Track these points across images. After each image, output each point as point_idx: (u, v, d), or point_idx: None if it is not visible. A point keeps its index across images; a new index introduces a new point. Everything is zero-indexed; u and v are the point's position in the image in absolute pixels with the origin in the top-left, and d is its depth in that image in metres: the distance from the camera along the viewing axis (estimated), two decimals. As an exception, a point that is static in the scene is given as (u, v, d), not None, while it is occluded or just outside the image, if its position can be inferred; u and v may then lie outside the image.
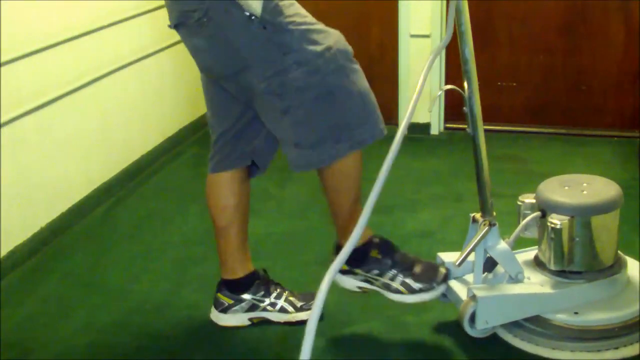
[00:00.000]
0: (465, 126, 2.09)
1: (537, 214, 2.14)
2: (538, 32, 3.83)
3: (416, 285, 2.11)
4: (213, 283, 2.36)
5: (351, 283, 2.16)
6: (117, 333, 2.32)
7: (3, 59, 2.63)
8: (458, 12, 1.92)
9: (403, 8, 3.84)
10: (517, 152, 3.68)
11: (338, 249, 2.13)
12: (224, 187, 2.22)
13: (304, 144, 1.98)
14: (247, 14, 1.86)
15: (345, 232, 2.09)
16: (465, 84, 2.03)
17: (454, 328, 2.24)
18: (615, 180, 2.19)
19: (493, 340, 2.18)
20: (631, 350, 2.08)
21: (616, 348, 2.07)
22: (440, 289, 2.14)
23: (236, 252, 2.26)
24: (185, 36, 2.01)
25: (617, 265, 2.16)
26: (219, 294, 2.29)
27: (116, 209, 3.19)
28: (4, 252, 2.67)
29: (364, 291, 2.17)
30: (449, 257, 2.23)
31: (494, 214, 2.14)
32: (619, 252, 2.20)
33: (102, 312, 2.43)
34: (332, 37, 1.97)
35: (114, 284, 2.60)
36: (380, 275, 2.13)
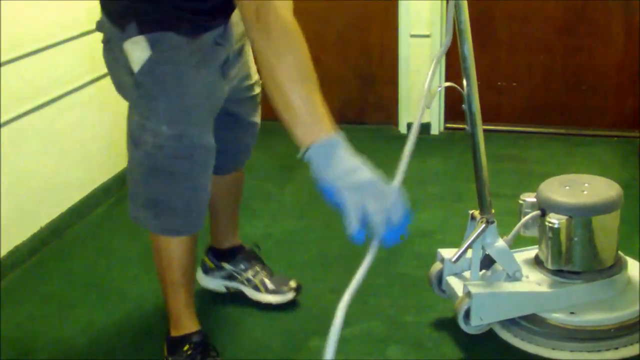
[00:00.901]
0: (465, 125, 2.10)
1: (537, 212, 2.14)
2: (538, 32, 3.83)
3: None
4: (213, 283, 2.36)
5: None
6: (117, 333, 2.32)
7: (3, 59, 2.63)
8: (458, 9, 1.93)
9: (403, 8, 3.84)
10: (517, 152, 3.68)
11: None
12: None
13: (137, 199, 1.98)
14: (128, 65, 1.83)
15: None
16: (464, 82, 2.03)
17: (453, 328, 2.24)
18: (615, 180, 2.19)
19: (493, 340, 2.18)
20: (631, 351, 2.08)
21: (616, 348, 2.08)
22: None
23: (223, 226, 2.42)
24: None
25: (617, 267, 2.16)
26: (205, 257, 2.45)
27: (116, 209, 3.19)
28: (4, 252, 2.68)
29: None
30: (449, 253, 2.24)
31: (493, 211, 2.14)
32: (619, 253, 2.20)
33: (102, 312, 2.43)
34: (194, 128, 1.90)
35: (114, 284, 2.60)
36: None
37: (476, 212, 2.16)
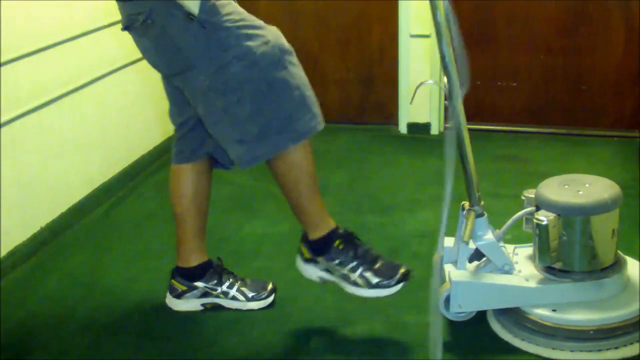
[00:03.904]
0: (447, 124, 2.13)
1: (532, 209, 2.16)
2: (538, 32, 3.83)
3: (374, 280, 2.15)
4: (213, 283, 2.36)
5: (312, 272, 2.23)
6: (117, 333, 2.32)
7: (3, 59, 2.63)
8: (433, 8, 1.97)
9: (403, 8, 3.84)
10: (517, 152, 3.68)
11: (304, 238, 2.21)
12: (184, 176, 2.29)
13: (247, 138, 2.03)
14: (186, 13, 1.93)
15: (309, 225, 2.17)
16: (445, 79, 2.06)
17: (453, 328, 2.24)
18: (615, 180, 2.18)
19: (493, 340, 2.18)
20: (631, 350, 2.08)
21: (616, 348, 2.08)
22: (397, 287, 2.17)
23: (191, 241, 2.35)
24: (134, 38, 2.09)
25: (610, 270, 2.14)
26: (173, 281, 2.39)
27: (116, 209, 3.19)
28: (4, 252, 2.68)
29: (323, 282, 2.23)
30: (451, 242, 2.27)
31: (482, 204, 2.17)
32: (619, 254, 2.19)
33: (102, 312, 2.43)
34: (270, 33, 2.03)
35: (114, 284, 2.60)
36: (341, 265, 2.17)
37: (467, 204, 2.18)
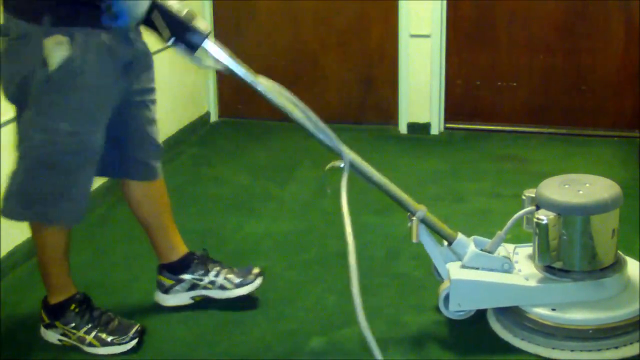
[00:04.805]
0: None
1: (532, 208, 2.16)
2: (538, 32, 3.83)
3: (109, 339, 2.20)
4: (213, 283, 2.36)
5: (53, 336, 2.25)
6: (117, 333, 2.31)
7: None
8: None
9: (403, 8, 3.84)
10: (517, 152, 3.68)
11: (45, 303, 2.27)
12: (127, 187, 2.33)
13: (11, 192, 2.09)
14: (45, 60, 1.92)
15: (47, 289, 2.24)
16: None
17: (453, 328, 2.24)
18: (615, 180, 2.18)
19: (493, 340, 2.18)
20: (631, 350, 2.08)
21: (616, 347, 2.08)
22: (132, 343, 2.21)
23: (164, 239, 2.39)
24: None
25: (611, 270, 2.14)
26: (160, 276, 2.41)
27: (116, 209, 3.19)
28: (4, 252, 2.68)
29: (65, 344, 2.25)
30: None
31: (421, 207, 2.23)
32: (619, 254, 2.19)
33: (102, 312, 2.43)
34: (90, 135, 2.04)
35: (114, 284, 2.60)
36: (76, 328, 2.22)
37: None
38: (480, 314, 2.26)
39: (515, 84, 3.93)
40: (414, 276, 2.56)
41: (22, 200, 2.09)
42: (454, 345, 2.18)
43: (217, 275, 2.39)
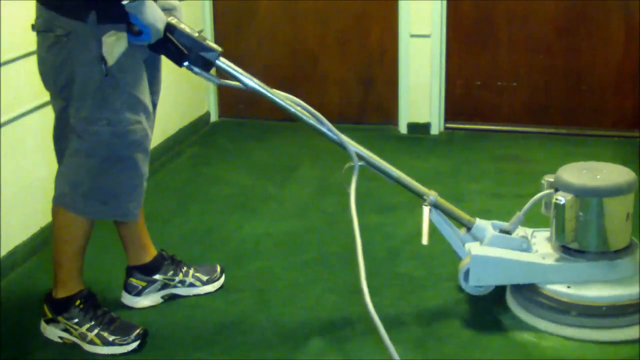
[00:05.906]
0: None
1: (550, 191, 2.25)
2: (538, 32, 3.83)
3: (111, 338, 2.20)
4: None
5: (53, 332, 2.26)
6: (117, 333, 2.31)
7: (3, 59, 2.63)
8: None
9: (403, 8, 3.84)
10: (517, 152, 3.68)
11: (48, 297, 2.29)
12: None
13: (79, 189, 2.14)
14: (101, 55, 1.98)
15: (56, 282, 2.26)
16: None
17: (453, 327, 2.24)
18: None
19: (494, 339, 2.18)
20: (632, 332, 2.14)
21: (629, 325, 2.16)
22: (134, 344, 2.20)
23: (133, 243, 2.43)
24: (39, 42, 2.12)
25: (624, 252, 2.22)
26: (131, 279, 2.44)
27: (116, 209, 3.19)
28: (4, 252, 2.68)
29: (64, 342, 2.25)
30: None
31: (431, 192, 2.32)
32: (633, 239, 2.26)
33: (102, 312, 2.42)
34: (145, 122, 2.12)
35: (114, 283, 2.60)
36: (79, 325, 2.22)
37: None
38: (481, 314, 2.26)
39: (515, 84, 3.93)
40: (414, 276, 2.56)
41: (99, 198, 2.14)
42: (454, 345, 2.19)
43: (186, 275, 2.47)
